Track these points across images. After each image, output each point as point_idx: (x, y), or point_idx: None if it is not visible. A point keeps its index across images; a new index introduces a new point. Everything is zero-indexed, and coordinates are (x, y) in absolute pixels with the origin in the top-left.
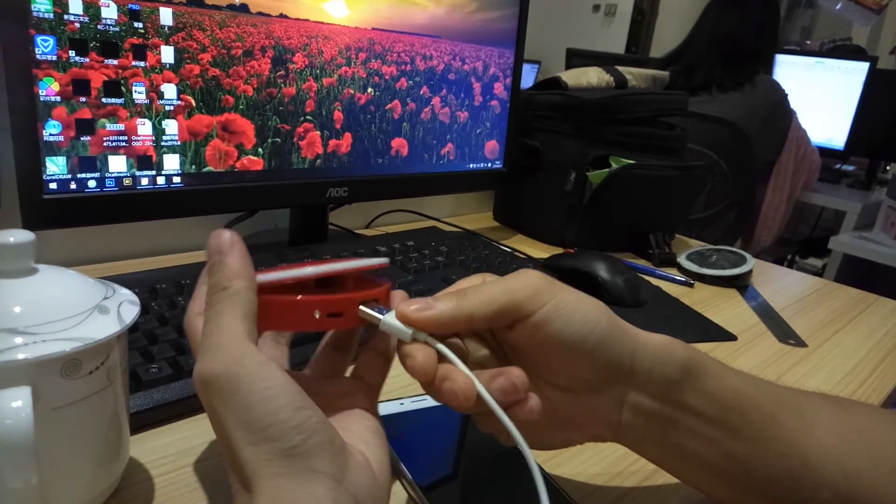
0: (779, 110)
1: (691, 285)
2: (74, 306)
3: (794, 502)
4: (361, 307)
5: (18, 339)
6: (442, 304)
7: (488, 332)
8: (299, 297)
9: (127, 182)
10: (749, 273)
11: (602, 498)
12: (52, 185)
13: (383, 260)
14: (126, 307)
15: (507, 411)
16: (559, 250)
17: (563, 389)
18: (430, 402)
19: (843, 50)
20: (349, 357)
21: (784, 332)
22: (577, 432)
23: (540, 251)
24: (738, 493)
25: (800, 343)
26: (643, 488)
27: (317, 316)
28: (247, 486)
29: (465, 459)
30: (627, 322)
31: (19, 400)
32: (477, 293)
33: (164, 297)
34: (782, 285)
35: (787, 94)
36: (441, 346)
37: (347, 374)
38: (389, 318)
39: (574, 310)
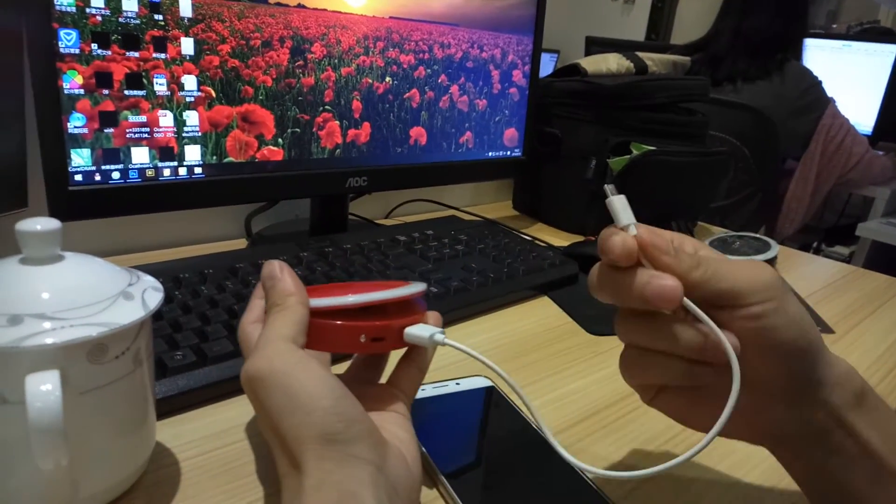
0: (809, 98)
1: None
2: (100, 292)
3: None
4: (407, 331)
5: (46, 324)
6: (684, 262)
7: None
8: (349, 322)
9: (150, 173)
10: (773, 259)
11: (620, 486)
12: (78, 177)
13: (422, 286)
14: (150, 293)
15: None
16: (579, 238)
17: (751, 385)
18: (451, 388)
19: (872, 32)
20: (380, 371)
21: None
22: (739, 429)
23: (560, 239)
24: None
25: (826, 329)
26: (662, 477)
27: (362, 340)
28: (296, 467)
29: (487, 446)
30: None
31: (48, 383)
32: (712, 266)
33: (187, 286)
34: (808, 271)
35: (819, 82)
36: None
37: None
38: (413, 330)
39: (798, 317)
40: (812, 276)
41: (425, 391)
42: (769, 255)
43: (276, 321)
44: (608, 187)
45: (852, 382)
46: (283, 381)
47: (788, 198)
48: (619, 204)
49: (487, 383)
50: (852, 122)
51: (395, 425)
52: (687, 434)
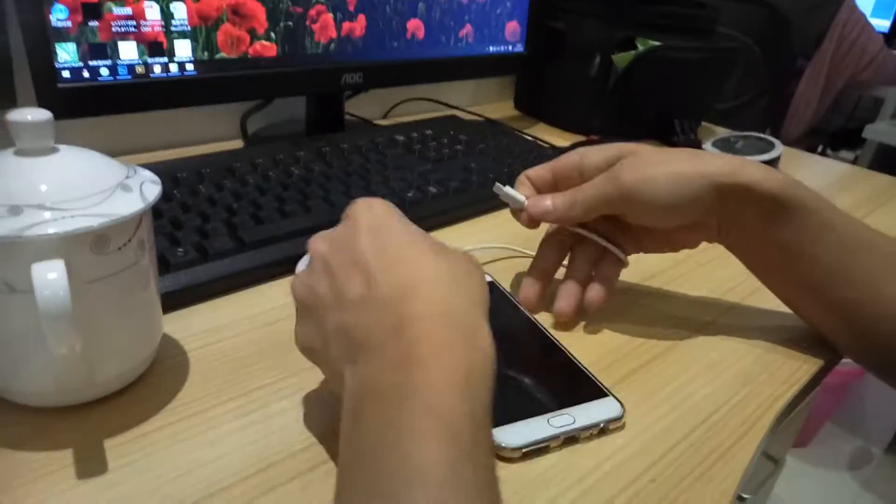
0: None
1: None
2: (98, 184)
3: (874, 326)
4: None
5: (47, 215)
6: (560, 214)
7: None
8: None
9: (139, 70)
10: (777, 160)
11: (612, 374)
12: (66, 74)
13: None
14: (148, 186)
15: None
16: (582, 138)
17: (676, 226)
18: None
19: None
20: None
21: None
22: (691, 239)
23: (562, 140)
24: (817, 311)
25: None
26: (655, 365)
27: None
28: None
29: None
30: None
31: (54, 272)
32: (579, 202)
33: (185, 186)
34: (811, 172)
35: None
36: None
37: None
38: None
39: (664, 184)
40: (816, 176)
41: None
42: (773, 154)
43: None
44: (497, 186)
45: (762, 187)
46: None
47: (797, 98)
48: (507, 192)
49: (486, 279)
50: (868, 18)
51: None
52: (679, 328)
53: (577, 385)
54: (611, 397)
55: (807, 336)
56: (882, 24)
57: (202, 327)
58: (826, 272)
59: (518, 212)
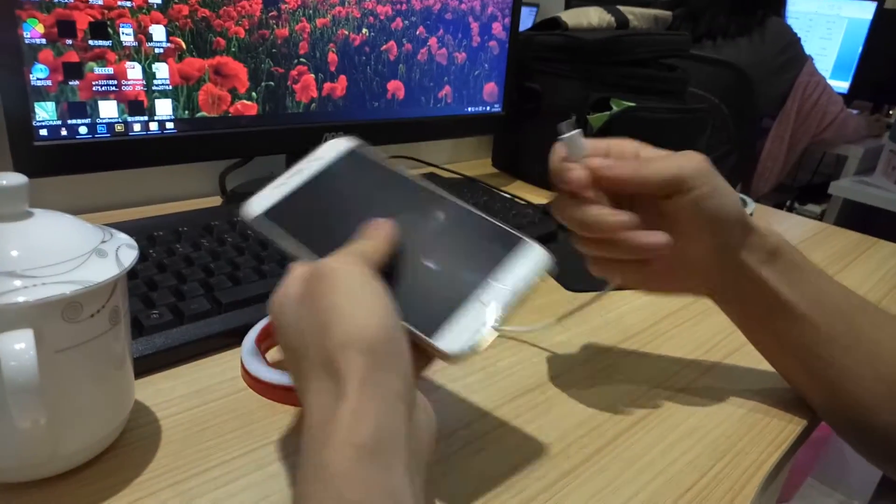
0: (787, 56)
1: None
2: (72, 250)
3: (853, 389)
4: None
5: (17, 283)
6: (624, 166)
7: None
8: None
9: (119, 128)
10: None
11: (595, 439)
12: (43, 132)
13: None
14: (124, 251)
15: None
16: None
17: (683, 253)
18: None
19: None
20: None
21: None
22: (692, 283)
23: (539, 197)
24: (800, 372)
25: None
26: (630, 432)
27: None
28: (333, 376)
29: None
30: None
31: (22, 342)
32: (652, 164)
33: (161, 245)
34: (782, 229)
35: (798, 39)
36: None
37: None
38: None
39: (727, 194)
40: (786, 233)
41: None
42: (746, 211)
43: (359, 242)
44: (563, 124)
45: (766, 243)
46: (352, 284)
47: (764, 157)
48: (572, 136)
49: (346, 145)
50: (827, 80)
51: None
52: (659, 390)
53: (489, 240)
54: (529, 242)
55: (789, 395)
56: (841, 86)
57: (176, 393)
58: (814, 331)
59: (564, 169)
